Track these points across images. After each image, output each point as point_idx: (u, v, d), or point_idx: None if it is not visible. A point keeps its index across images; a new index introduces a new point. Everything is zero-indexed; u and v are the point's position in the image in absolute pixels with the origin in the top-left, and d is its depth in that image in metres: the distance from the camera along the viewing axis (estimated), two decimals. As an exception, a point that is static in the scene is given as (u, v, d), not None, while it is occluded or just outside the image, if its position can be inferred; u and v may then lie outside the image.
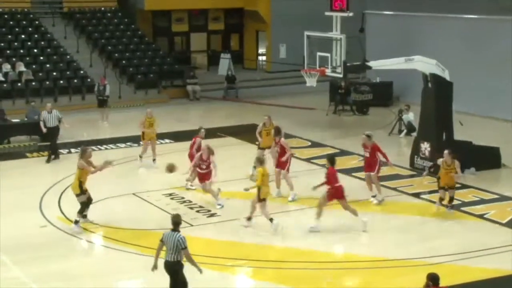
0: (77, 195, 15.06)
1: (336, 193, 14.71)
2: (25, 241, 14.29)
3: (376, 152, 16.46)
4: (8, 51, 30.21)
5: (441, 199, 15.89)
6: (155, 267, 10.89)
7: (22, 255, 13.62)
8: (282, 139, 17.07)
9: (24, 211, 16.24)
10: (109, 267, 13.18)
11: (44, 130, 20.76)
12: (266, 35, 36.23)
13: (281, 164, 16.90)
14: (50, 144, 20.64)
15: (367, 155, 16.54)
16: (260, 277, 12.74)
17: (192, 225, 15.17)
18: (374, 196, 16.59)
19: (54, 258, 13.53)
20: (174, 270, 10.72)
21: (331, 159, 15.17)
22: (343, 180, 16.01)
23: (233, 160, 18.89)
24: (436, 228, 15.08)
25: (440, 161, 15.89)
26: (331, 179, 14.72)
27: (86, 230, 14.93)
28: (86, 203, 15.10)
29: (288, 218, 15.72)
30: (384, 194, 17.19)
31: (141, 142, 20.11)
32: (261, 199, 14.63)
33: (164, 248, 10.75)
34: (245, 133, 23.06)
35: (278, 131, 17.16)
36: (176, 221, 10.84)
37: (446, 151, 15.74)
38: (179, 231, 10.76)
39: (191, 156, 17.36)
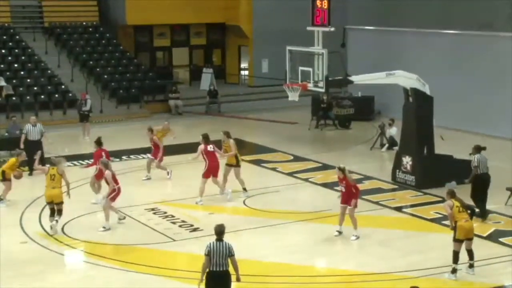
0: (61, 203, 15.43)
1: (101, 172, 16.69)
2: (6, 258, 14.12)
3: (352, 187, 15.20)
4: (-12, 66, 30.10)
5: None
6: (202, 280, 10.81)
7: (3, 272, 13.44)
8: (201, 145, 17.85)
9: (4, 227, 16.08)
10: (92, 284, 13.07)
11: (21, 145, 20.27)
12: (248, 50, 36.36)
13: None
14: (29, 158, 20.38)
15: (343, 189, 15.25)
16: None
17: (174, 240, 15.12)
18: (340, 232, 15.31)
19: (36, 275, 13.39)
20: (225, 280, 10.71)
21: (97, 141, 17.76)
22: (327, 195, 16.06)
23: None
24: (418, 242, 15.13)
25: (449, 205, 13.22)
26: (95, 160, 17.19)
27: (68, 245, 14.84)
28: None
29: (271, 232, 15.72)
30: (366, 208, 17.26)
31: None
32: None
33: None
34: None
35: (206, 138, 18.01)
36: (221, 231, 10.85)
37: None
38: (223, 240, 10.77)
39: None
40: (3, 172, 17.49)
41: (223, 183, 17.99)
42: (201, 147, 17.71)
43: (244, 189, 18.14)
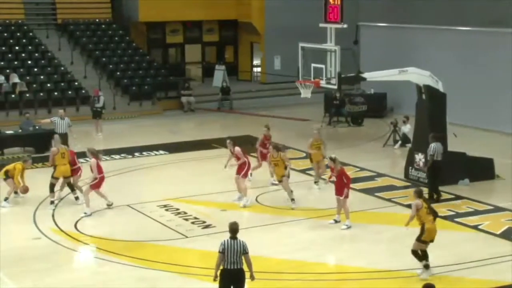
0: (70, 177, 17.37)
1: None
2: (19, 254, 14.22)
3: (343, 177, 15.63)
4: (2, 63, 30.21)
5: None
6: (217, 276, 10.90)
7: (16, 268, 13.56)
8: (237, 148, 17.53)
9: (17, 224, 16.19)
10: (103, 280, 13.10)
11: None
12: (261, 47, 36.33)
13: (238, 170, 17.49)
14: None
15: (335, 179, 15.79)
16: (255, 288, 12.74)
17: (187, 237, 15.15)
18: (336, 221, 15.76)
19: (48, 271, 13.46)
20: (239, 277, 10.79)
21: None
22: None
23: (228, 172, 18.87)
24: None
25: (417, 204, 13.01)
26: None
27: (80, 242, 14.92)
28: None
29: (283, 229, 15.72)
30: (379, 205, 17.22)
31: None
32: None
33: None
34: (240, 144, 23.02)
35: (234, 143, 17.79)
36: (235, 229, 10.91)
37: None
38: (237, 238, 10.83)
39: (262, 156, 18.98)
40: (7, 171, 17.50)
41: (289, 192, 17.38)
42: (239, 149, 17.52)
43: (292, 199, 17.19)
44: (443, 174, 17.81)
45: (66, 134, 21.31)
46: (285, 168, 17.33)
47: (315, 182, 18.93)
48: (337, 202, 15.84)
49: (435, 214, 13.01)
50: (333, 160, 15.75)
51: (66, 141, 20.89)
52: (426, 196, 17.44)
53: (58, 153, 17.32)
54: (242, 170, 17.41)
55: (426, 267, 12.84)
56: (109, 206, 16.88)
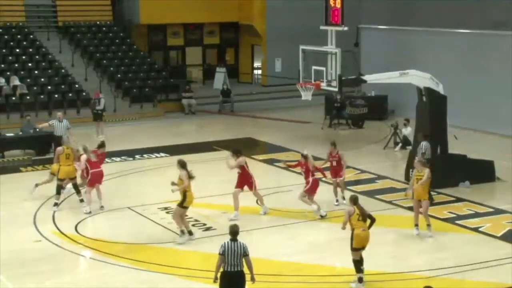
0: (75, 178, 17.25)
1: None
2: (20, 256, 14.22)
3: (341, 160, 17.28)
4: (2, 65, 30.25)
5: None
6: (217, 278, 10.91)
7: (17, 270, 13.56)
8: (240, 158, 16.64)
9: (18, 226, 16.19)
10: (104, 282, 13.11)
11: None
12: (262, 49, 36.37)
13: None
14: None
15: (335, 163, 17.26)
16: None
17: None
18: (337, 204, 17.22)
19: (49, 273, 13.46)
20: (239, 280, 10.80)
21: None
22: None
23: (229, 174, 18.83)
24: (431, 242, 15.08)
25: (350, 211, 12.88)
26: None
27: (81, 244, 14.91)
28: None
29: (284, 231, 15.72)
30: (380, 207, 17.23)
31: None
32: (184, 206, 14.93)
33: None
34: (241, 147, 23.00)
35: (238, 151, 16.77)
36: (235, 231, 10.92)
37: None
38: (237, 240, 10.83)
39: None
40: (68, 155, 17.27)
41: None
42: (242, 159, 16.67)
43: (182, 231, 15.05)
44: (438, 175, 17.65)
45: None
46: (184, 195, 14.96)
47: (427, 226, 15.22)
48: (335, 184, 17.33)
49: (371, 220, 12.79)
50: (304, 157, 16.37)
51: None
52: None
53: (63, 153, 17.24)
54: (241, 182, 16.57)
55: (360, 280, 12.63)
56: (87, 213, 16.71)
